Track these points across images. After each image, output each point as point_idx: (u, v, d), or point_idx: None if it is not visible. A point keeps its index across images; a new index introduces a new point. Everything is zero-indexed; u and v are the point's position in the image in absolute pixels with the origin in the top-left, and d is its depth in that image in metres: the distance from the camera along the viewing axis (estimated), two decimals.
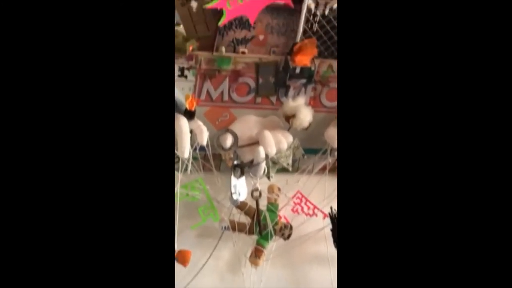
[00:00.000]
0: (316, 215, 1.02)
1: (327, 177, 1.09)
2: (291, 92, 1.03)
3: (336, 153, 1.07)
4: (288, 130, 1.03)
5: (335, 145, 1.04)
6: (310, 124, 1.02)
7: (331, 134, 1.04)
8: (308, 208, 1.01)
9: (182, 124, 0.94)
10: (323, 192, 1.04)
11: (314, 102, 1.06)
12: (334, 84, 1.06)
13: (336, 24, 1.04)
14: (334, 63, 1.04)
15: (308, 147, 1.07)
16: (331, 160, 1.08)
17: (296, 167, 1.08)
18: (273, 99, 1.05)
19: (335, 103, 1.08)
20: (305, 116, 1.00)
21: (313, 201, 1.03)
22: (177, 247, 0.95)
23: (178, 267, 0.94)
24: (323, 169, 1.09)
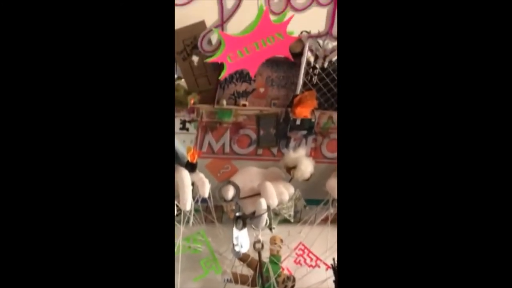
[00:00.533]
0: (319, 266, 1.01)
1: (329, 228, 1.08)
2: (292, 143, 1.04)
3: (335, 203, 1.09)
4: (290, 181, 1.03)
5: (336, 196, 1.05)
6: (311, 175, 1.02)
7: (333, 185, 1.04)
8: (311, 259, 1.01)
9: (184, 177, 0.94)
10: (326, 243, 1.03)
11: (315, 153, 1.06)
12: (334, 135, 1.07)
13: (335, 77, 1.04)
14: (334, 115, 1.05)
15: (310, 198, 1.06)
16: (332, 210, 1.08)
17: (298, 218, 1.07)
18: (274, 150, 1.06)
19: (336, 154, 1.08)
20: (306, 167, 1.00)
21: (315, 252, 1.02)
22: None
23: None
24: (325, 220, 1.08)
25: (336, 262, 0.98)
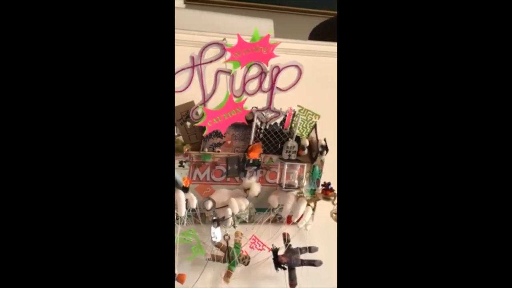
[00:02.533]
0: (264, 249, 1.16)
1: (270, 225, 1.23)
2: (247, 174, 1.18)
3: (274, 210, 1.20)
4: (246, 197, 1.17)
5: (275, 206, 1.19)
6: (259, 194, 1.17)
7: (272, 199, 1.19)
8: (259, 245, 1.15)
9: (181, 195, 1.06)
10: (269, 235, 1.18)
11: (262, 180, 1.20)
12: (274, 169, 1.20)
13: (273, 134, 1.18)
14: (274, 156, 1.19)
15: (259, 207, 1.21)
16: (272, 215, 1.22)
17: (251, 220, 1.20)
18: (237, 179, 1.19)
19: (275, 180, 1.21)
20: (256, 189, 1.17)
21: (262, 240, 1.16)
22: (176, 272, 1.07)
23: (177, 285, 1.06)
24: (268, 221, 1.22)
25: (274, 246, 1.13)
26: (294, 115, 1.19)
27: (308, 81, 1.13)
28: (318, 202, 1.21)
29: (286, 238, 1.18)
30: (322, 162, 1.22)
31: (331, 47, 1.45)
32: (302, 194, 1.19)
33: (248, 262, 1.14)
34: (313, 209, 1.20)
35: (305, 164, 1.20)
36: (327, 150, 1.19)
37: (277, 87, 1.14)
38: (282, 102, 1.17)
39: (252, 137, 1.17)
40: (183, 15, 1.70)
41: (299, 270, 1.15)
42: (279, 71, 1.12)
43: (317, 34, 2.09)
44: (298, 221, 1.16)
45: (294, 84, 1.14)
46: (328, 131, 1.20)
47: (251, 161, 1.16)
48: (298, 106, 1.19)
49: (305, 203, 1.15)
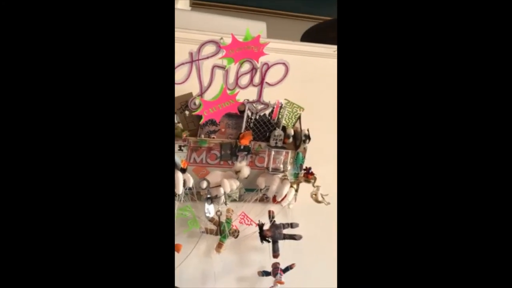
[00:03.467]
0: (252, 224, 1.21)
1: (258, 204, 1.31)
2: (239, 158, 1.23)
3: (261, 191, 1.25)
4: (237, 179, 1.23)
5: (262, 187, 1.25)
6: (248, 176, 1.24)
7: (260, 181, 1.25)
8: (248, 221, 1.22)
9: (179, 176, 1.11)
10: (256, 212, 1.24)
11: (251, 164, 1.26)
12: (262, 154, 1.25)
13: (262, 124, 1.22)
14: (262, 143, 1.23)
15: (248, 188, 1.28)
16: (260, 195, 1.28)
17: (242, 199, 1.27)
18: (230, 162, 1.24)
19: (263, 165, 1.27)
20: (246, 171, 1.23)
21: (250, 216, 1.22)
22: (175, 242, 1.10)
23: (175, 254, 1.09)
24: (255, 200, 1.29)
25: (260, 222, 1.18)
26: (281, 107, 1.23)
27: (294, 77, 1.18)
28: (300, 184, 1.27)
29: (271, 215, 1.24)
30: (305, 149, 1.27)
31: (316, 48, 1.56)
32: (286, 177, 1.24)
33: (238, 235, 1.20)
34: (296, 190, 1.27)
35: (290, 151, 1.25)
36: (309, 139, 1.24)
37: (266, 82, 1.18)
38: (270, 95, 1.21)
39: (244, 126, 1.22)
40: (189, 16, 1.89)
41: (282, 243, 1.21)
42: (268, 68, 1.16)
43: (309, 37, 2.18)
44: (282, 200, 1.23)
45: (281, 80, 1.20)
46: (311, 122, 1.26)
47: (242, 147, 1.21)
48: (285, 99, 1.24)
49: (289, 185, 1.22)
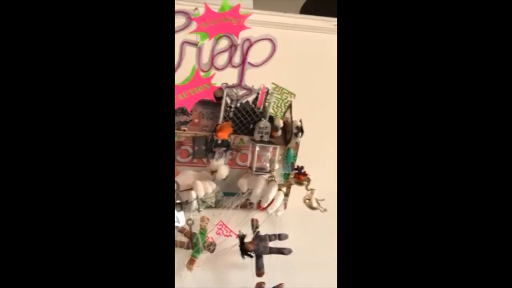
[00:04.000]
0: (231, 236, 1.12)
1: (239, 211, 1.20)
2: (216, 155, 1.16)
3: (243, 195, 1.17)
4: (213, 180, 1.15)
5: (244, 190, 1.17)
6: (227, 177, 1.15)
7: (241, 183, 1.17)
8: (227, 231, 1.12)
9: None
10: (236, 222, 1.15)
11: (231, 162, 1.18)
12: (245, 151, 1.18)
13: (244, 113, 1.16)
14: (244, 137, 1.17)
15: (227, 191, 1.19)
16: (242, 200, 1.20)
17: (220, 205, 1.19)
18: (204, 160, 1.17)
19: (245, 163, 1.20)
20: (223, 171, 1.15)
21: (230, 226, 1.13)
22: None
23: None
24: (236, 206, 1.20)
25: (241, 233, 1.11)
26: (267, 93, 1.16)
27: (284, 57, 1.10)
28: (291, 187, 1.20)
29: (254, 224, 1.16)
30: (297, 144, 1.20)
31: (311, 21, 1.43)
32: (273, 178, 1.17)
33: (214, 249, 1.12)
34: (286, 194, 1.19)
35: (278, 146, 1.18)
36: (302, 132, 1.17)
37: (248, 62, 1.09)
38: (254, 78, 1.13)
39: (221, 116, 1.15)
40: None
41: (267, 258, 1.13)
42: (250, 45, 1.07)
43: (310, 9, 2.06)
44: (268, 206, 1.15)
45: (267, 60, 1.10)
46: (304, 112, 1.19)
47: (219, 142, 1.15)
48: (273, 83, 1.16)
49: (277, 187, 1.14)
